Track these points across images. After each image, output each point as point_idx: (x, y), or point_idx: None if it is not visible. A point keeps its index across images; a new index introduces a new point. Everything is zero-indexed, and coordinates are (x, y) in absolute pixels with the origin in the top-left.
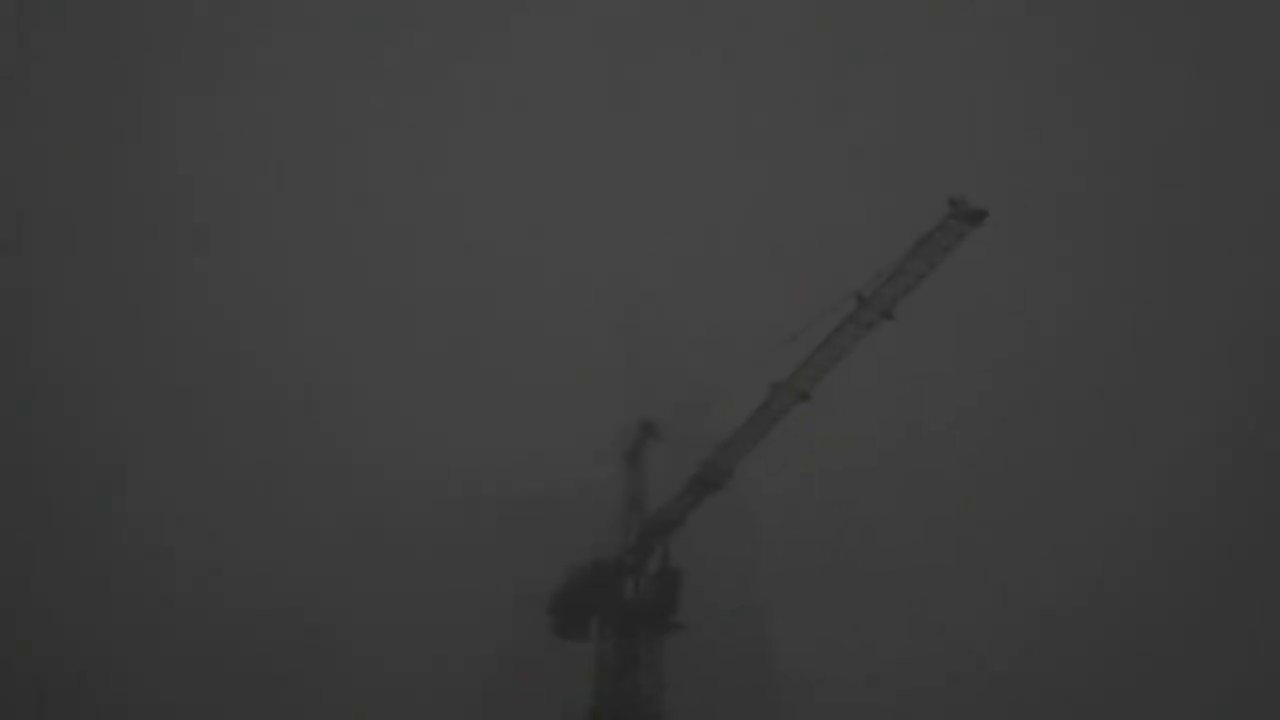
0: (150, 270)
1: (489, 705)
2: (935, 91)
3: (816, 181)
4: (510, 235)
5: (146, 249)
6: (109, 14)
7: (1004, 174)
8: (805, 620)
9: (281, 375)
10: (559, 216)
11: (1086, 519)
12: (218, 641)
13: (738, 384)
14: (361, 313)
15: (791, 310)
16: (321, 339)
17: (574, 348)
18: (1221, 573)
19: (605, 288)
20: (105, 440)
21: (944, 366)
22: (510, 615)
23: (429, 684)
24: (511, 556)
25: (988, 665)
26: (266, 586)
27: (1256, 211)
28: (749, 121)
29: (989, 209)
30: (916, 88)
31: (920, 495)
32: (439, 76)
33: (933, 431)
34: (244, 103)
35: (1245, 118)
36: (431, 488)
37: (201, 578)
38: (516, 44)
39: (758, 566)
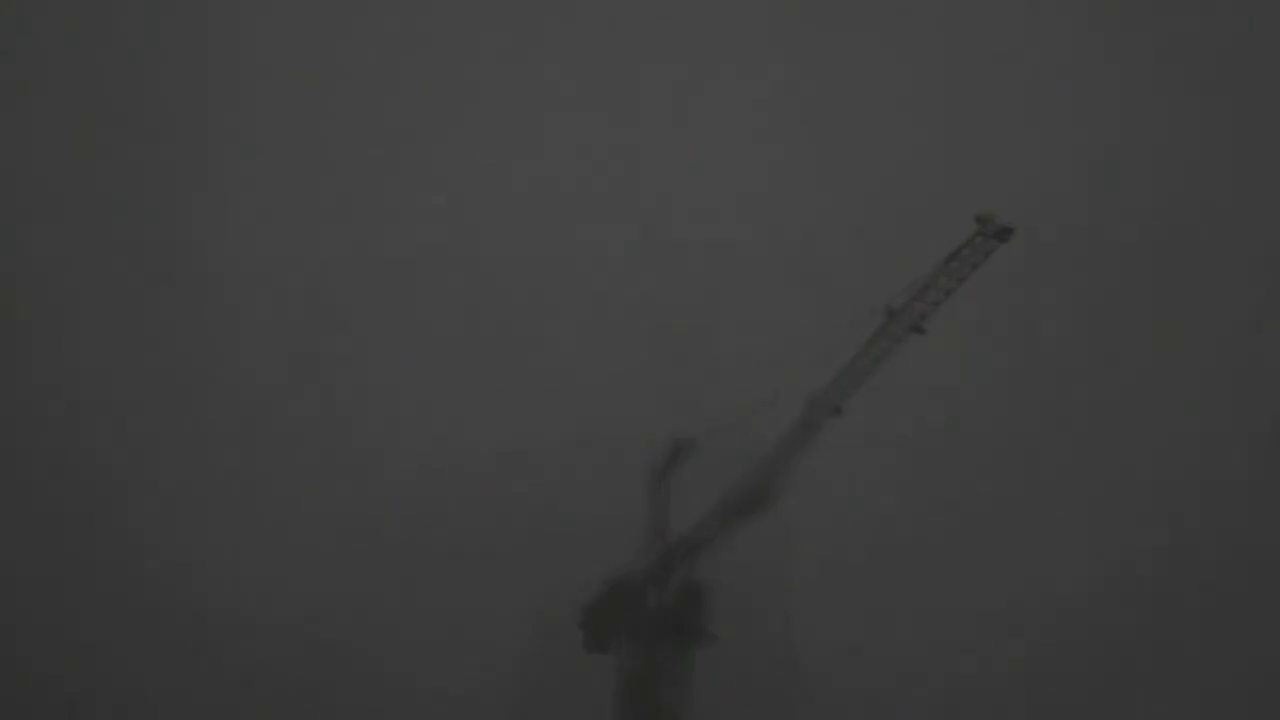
0: (150, 266)
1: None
2: (968, 101)
3: (846, 193)
4: (538, 243)
5: (146, 243)
6: (111, 12)
7: (1030, 178)
8: (835, 628)
9: (295, 377)
10: (589, 225)
11: (1126, 519)
12: (223, 651)
13: (770, 399)
14: (382, 319)
15: (822, 324)
16: (344, 341)
17: (603, 359)
18: (1241, 572)
19: (635, 299)
20: (105, 441)
21: (976, 372)
22: (533, 629)
23: (450, 696)
24: (536, 570)
25: (1023, 667)
26: (279, 596)
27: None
28: (784, 131)
29: (1016, 226)
30: (950, 98)
31: (954, 500)
32: (466, 76)
33: (967, 436)
34: (250, 99)
35: (1251, 118)
36: (455, 502)
37: (205, 586)
38: (555, 44)
39: (790, 574)
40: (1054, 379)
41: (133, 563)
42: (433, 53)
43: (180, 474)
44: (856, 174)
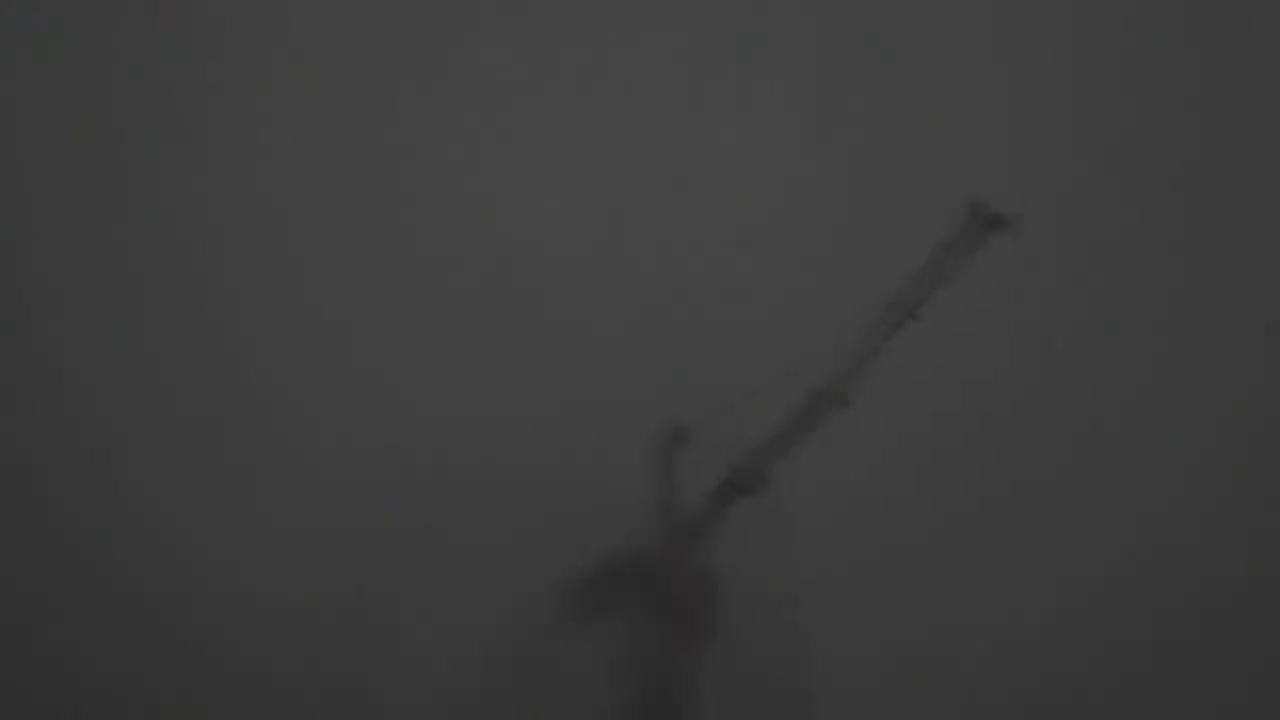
0: (151, 263)
1: (512, 708)
2: (968, 86)
3: (845, 180)
4: (537, 232)
5: (147, 241)
6: (108, 14)
7: (1017, 175)
8: (843, 621)
9: (288, 374)
10: (587, 212)
11: (1122, 514)
12: (225, 641)
13: (769, 385)
14: (380, 311)
15: (821, 310)
16: (339, 334)
17: (601, 346)
18: (1242, 571)
19: (635, 286)
20: (105, 436)
21: (978, 364)
22: (533, 617)
23: (446, 683)
24: (524, 566)
25: (1027, 662)
26: (279, 582)
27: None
28: (783, 117)
29: (1010, 213)
30: (951, 83)
31: (955, 493)
32: (462, 67)
33: (967, 429)
34: (252, 99)
35: (1251, 117)
36: (453, 488)
37: (207, 575)
38: (550, 36)
39: (794, 567)
40: (1057, 370)
41: (134, 554)
42: (433, 48)
43: (183, 460)
44: (856, 160)
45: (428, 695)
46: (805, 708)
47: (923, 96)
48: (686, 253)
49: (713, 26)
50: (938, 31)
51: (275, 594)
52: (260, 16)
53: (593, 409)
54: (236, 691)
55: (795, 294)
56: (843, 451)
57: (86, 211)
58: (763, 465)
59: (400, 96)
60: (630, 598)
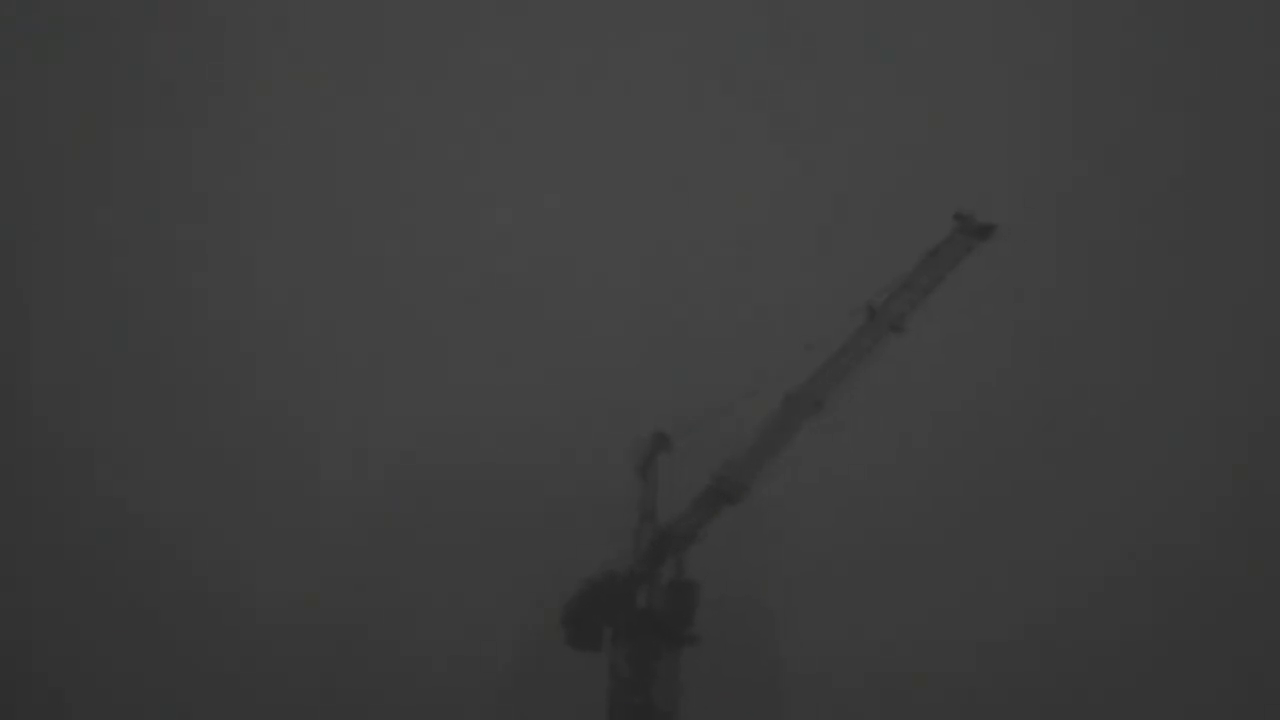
0: (150, 267)
1: (503, 713)
2: (952, 95)
3: (827, 189)
4: (537, 232)
5: (148, 243)
6: (108, 14)
7: (1017, 175)
8: (822, 628)
9: (288, 375)
10: (587, 213)
11: (1101, 523)
12: (225, 641)
13: (751, 393)
14: (380, 312)
15: (805, 317)
16: (326, 337)
17: (598, 348)
18: (1231, 573)
19: (616, 294)
20: (105, 439)
21: (959, 372)
22: (523, 625)
23: (441, 688)
24: (523, 566)
25: (1027, 662)
26: (279, 585)
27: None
28: (766, 125)
29: (996, 222)
30: (934, 91)
31: (935, 500)
32: (462, 67)
33: (947, 437)
34: (252, 99)
35: (1251, 117)
36: (439, 491)
37: (206, 575)
38: (550, 36)
39: (774, 575)
40: (1057, 370)
41: (133, 554)
42: (433, 48)
43: (183, 462)
44: (856, 161)
45: (427, 695)
46: (798, 709)
47: (922, 97)
48: (685, 254)
49: (712, 27)
50: (938, 31)
51: (275, 594)
52: (260, 16)
53: (590, 409)
54: (236, 691)
55: (789, 298)
56: (844, 453)
57: (86, 212)
58: (746, 473)
59: (400, 96)
60: (612, 621)
